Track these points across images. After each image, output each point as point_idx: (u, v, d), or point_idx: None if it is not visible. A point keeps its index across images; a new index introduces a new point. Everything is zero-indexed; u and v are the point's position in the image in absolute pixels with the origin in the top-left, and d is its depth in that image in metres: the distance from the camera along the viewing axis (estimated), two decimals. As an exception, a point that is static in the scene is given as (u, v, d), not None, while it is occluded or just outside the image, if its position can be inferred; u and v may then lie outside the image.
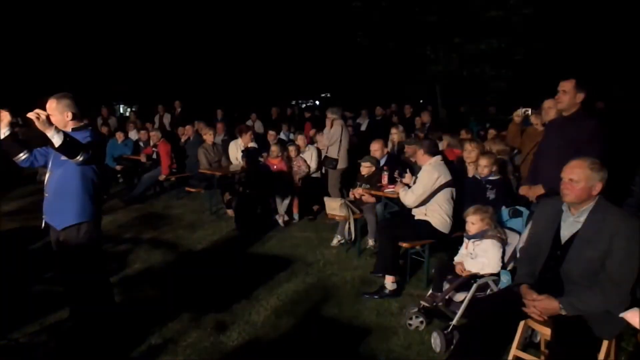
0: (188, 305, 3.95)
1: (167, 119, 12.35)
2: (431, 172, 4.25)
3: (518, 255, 3.24)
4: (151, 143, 8.62)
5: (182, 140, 9.28)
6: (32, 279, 4.39)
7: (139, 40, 18.39)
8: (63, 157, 2.91)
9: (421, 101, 15.99)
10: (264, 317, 3.78)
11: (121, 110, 22.61)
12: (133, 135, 9.87)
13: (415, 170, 4.91)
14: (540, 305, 2.54)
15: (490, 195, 4.31)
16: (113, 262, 5.01)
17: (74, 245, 3.06)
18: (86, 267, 3.13)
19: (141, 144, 9.27)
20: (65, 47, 17.28)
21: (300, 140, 7.44)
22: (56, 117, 3.01)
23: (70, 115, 3.07)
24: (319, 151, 7.34)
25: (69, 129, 3.03)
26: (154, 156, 8.46)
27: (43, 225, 3.19)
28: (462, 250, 3.62)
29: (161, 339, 3.39)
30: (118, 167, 8.97)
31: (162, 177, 8.15)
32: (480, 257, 3.44)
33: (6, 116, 2.89)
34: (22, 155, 3.08)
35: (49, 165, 3.15)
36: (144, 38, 18.41)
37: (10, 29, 15.75)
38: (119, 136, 9.34)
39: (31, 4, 16.23)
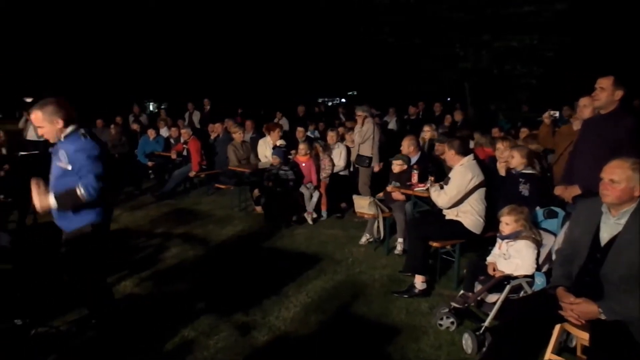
0: (218, 299, 4.03)
1: (196, 116, 12.53)
2: (464, 173, 4.16)
3: (553, 257, 3.17)
4: (182, 140, 8.78)
5: (212, 137, 9.43)
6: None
7: (169, 39, 18.72)
8: (59, 163, 2.85)
9: (448, 99, 15.79)
10: (294, 313, 3.81)
11: (151, 108, 23.08)
12: (164, 132, 10.06)
13: (445, 168, 4.85)
14: (578, 308, 2.48)
15: (524, 190, 4.19)
16: (146, 257, 5.14)
17: (77, 247, 3.01)
18: (88, 268, 3.08)
19: (172, 140, 9.44)
20: (98, 46, 17.71)
21: (330, 137, 7.42)
22: (47, 128, 2.85)
23: (61, 122, 2.85)
24: (348, 149, 7.33)
25: (62, 139, 2.89)
26: (185, 153, 8.61)
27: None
28: (495, 251, 3.57)
29: (194, 332, 3.46)
30: (149, 164, 9.15)
31: (192, 174, 8.30)
32: (513, 258, 3.38)
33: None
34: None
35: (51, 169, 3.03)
36: (173, 38, 18.73)
37: (43, 27, 16.19)
38: (151, 133, 9.54)
39: (64, 3, 16.68)
